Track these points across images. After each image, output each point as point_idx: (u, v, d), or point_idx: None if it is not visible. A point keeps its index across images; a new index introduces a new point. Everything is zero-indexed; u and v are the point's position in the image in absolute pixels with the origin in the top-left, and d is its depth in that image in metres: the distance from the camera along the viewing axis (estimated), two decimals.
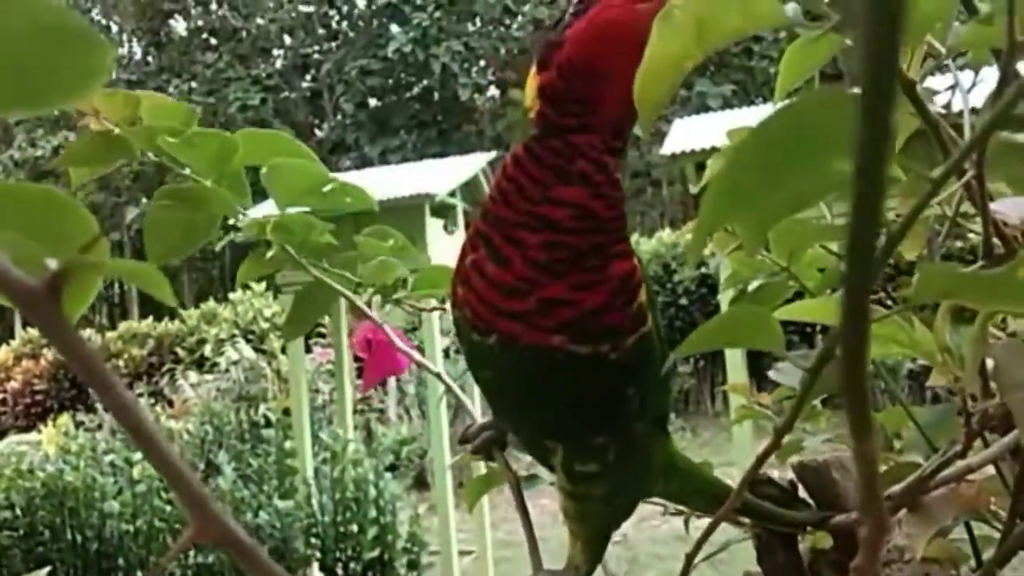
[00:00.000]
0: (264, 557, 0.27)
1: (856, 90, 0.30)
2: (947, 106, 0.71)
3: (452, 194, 5.18)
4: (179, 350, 10.84)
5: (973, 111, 0.68)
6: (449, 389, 0.85)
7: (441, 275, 1.00)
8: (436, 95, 22.22)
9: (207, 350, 9.12)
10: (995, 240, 0.48)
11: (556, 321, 0.57)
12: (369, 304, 0.93)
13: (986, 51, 0.55)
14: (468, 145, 18.72)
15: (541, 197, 0.56)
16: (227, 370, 6.83)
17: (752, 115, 4.91)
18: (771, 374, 0.63)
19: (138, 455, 4.45)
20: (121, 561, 4.08)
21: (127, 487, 4.21)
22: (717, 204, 0.26)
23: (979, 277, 0.36)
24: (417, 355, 0.91)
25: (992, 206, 0.48)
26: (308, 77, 23.72)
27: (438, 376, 0.89)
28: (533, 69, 0.60)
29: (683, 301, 9.68)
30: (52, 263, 0.26)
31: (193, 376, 7.66)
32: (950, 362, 0.50)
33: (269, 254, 0.90)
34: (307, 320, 0.94)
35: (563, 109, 0.57)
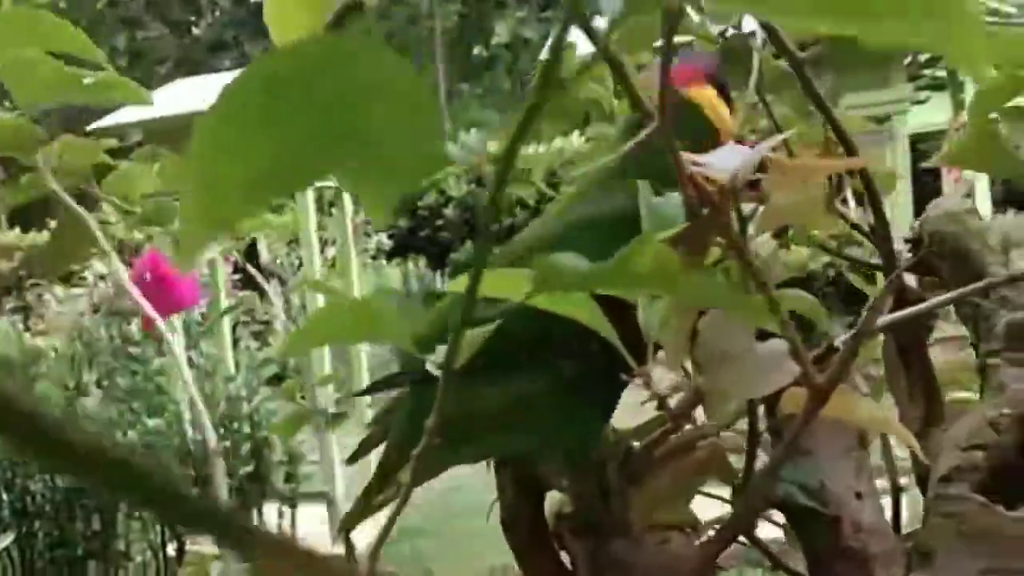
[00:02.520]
0: None
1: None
2: (737, 26, 0.66)
3: None
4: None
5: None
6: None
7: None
8: None
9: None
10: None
11: None
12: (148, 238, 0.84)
13: None
14: None
15: None
16: (96, 284, 6.50)
17: None
18: None
19: None
20: None
21: None
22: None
23: (592, 271, 0.29)
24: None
25: (688, 158, 0.33)
26: None
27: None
28: None
29: None
30: None
31: (59, 291, 7.27)
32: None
33: (23, 179, 0.79)
34: (68, 256, 0.84)
35: None
